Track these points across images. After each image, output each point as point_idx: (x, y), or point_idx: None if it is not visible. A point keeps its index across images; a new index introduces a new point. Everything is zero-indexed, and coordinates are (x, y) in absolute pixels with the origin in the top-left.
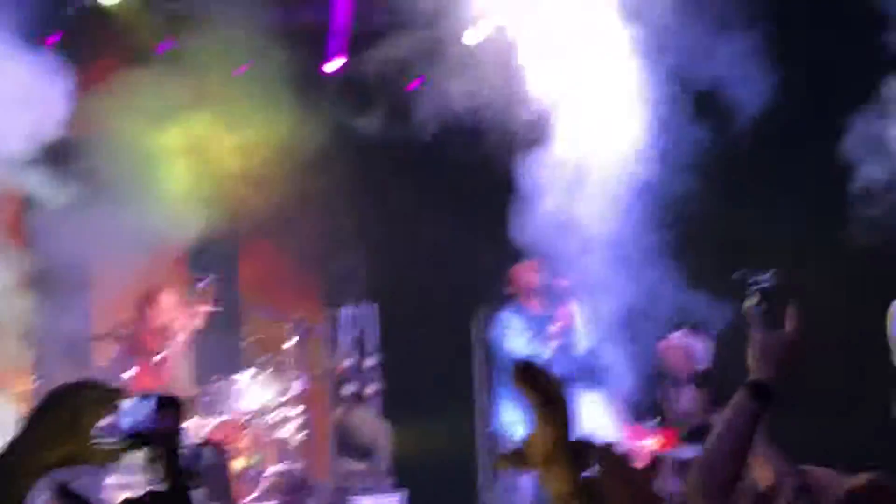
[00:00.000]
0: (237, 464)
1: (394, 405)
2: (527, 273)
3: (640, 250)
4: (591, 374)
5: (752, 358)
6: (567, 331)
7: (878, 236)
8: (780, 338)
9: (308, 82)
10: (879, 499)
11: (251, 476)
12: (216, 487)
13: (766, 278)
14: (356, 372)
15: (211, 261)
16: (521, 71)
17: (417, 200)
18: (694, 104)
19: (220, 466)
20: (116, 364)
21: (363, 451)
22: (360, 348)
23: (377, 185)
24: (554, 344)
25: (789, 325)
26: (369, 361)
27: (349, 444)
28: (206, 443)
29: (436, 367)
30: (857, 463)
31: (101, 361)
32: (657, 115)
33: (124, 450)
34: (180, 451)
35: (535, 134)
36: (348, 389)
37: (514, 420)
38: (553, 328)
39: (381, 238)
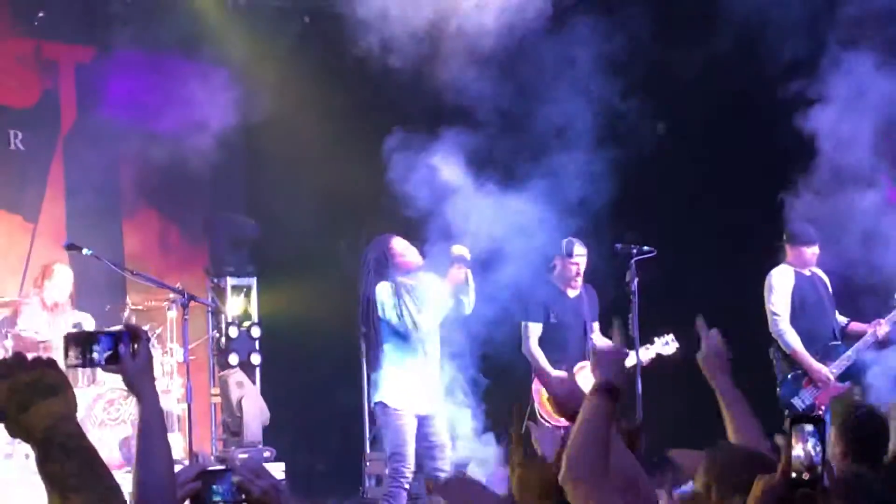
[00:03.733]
0: (121, 433)
1: (277, 376)
2: (396, 247)
3: None
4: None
5: (593, 365)
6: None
7: None
8: (615, 347)
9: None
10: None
11: (133, 446)
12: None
13: (646, 250)
14: (239, 342)
15: (94, 230)
16: None
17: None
18: None
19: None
20: None
21: (243, 422)
22: (244, 318)
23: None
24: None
25: (616, 338)
26: (254, 332)
27: (229, 415)
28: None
29: (319, 339)
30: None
31: None
32: None
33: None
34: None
35: None
36: (231, 359)
37: (396, 390)
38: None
39: (267, 210)
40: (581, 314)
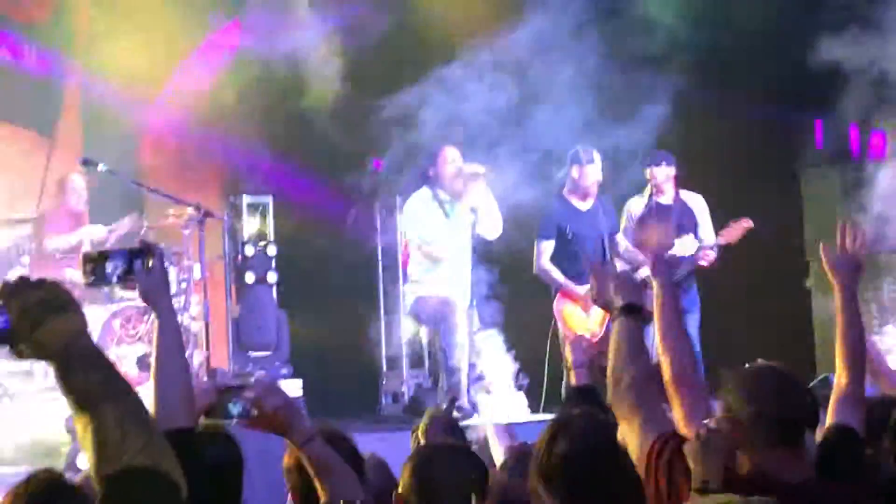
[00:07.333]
0: (139, 350)
1: (295, 293)
2: (447, 157)
3: None
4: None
5: (613, 289)
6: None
7: None
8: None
9: None
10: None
11: (149, 362)
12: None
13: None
14: (256, 260)
15: (111, 146)
16: None
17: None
18: None
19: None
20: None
21: (262, 339)
22: (260, 237)
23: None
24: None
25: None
26: (270, 250)
27: (248, 332)
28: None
29: (337, 257)
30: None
31: None
32: None
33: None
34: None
35: None
36: (249, 277)
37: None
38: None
39: (283, 131)
40: (597, 226)
